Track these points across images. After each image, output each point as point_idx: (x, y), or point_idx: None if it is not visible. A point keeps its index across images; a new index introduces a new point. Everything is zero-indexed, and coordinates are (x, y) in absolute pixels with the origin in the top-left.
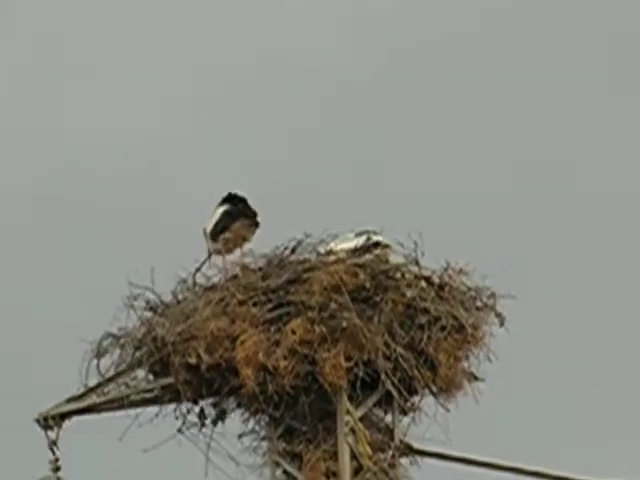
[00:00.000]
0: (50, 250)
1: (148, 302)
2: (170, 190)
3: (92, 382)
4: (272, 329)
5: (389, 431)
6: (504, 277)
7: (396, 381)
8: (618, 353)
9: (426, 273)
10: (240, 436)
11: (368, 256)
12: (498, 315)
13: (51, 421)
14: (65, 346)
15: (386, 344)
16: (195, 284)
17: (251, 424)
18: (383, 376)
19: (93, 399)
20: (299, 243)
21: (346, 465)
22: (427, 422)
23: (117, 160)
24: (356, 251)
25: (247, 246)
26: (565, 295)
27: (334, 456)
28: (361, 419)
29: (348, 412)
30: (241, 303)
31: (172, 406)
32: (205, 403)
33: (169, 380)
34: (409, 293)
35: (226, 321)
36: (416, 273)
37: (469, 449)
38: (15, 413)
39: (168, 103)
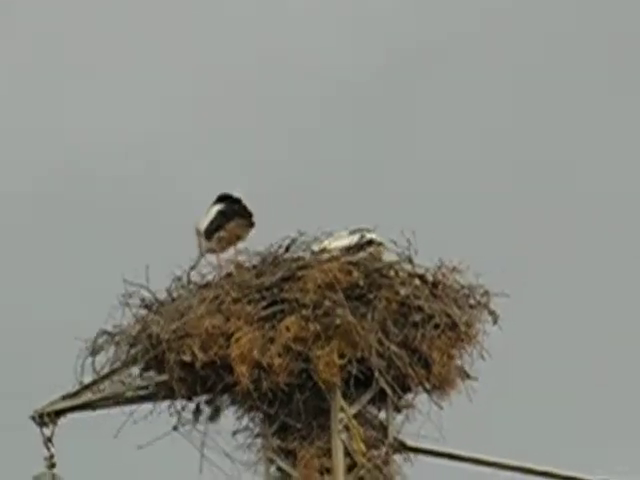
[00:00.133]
0: (50, 250)
1: (143, 300)
2: (170, 190)
3: (87, 379)
4: (266, 327)
5: (383, 428)
6: (504, 277)
7: (390, 379)
8: (618, 353)
9: (420, 271)
10: (234, 433)
11: (362, 254)
12: (491, 313)
13: (46, 418)
14: (60, 344)
15: (380, 342)
16: (190, 282)
17: (245, 421)
18: (377, 373)
19: (88, 396)
20: (293, 241)
21: (340, 462)
22: (421, 419)
23: (117, 160)
24: (350, 249)
25: (241, 245)
26: (565, 295)
27: (328, 453)
28: (355, 416)
29: (342, 409)
30: (235, 301)
31: (166, 403)
32: (200, 400)
33: (164, 377)
34: (403, 291)
35: (221, 319)
36: (410, 271)
37: (463, 446)
38: (10, 410)
39: (168, 103)
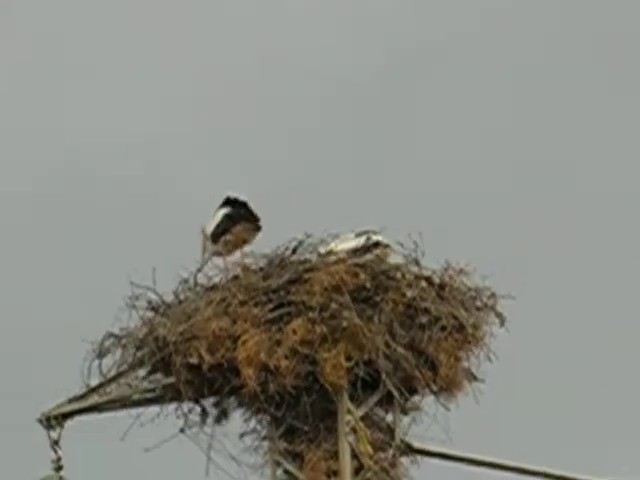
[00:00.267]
0: (50, 250)
1: (150, 302)
2: (170, 190)
3: (94, 382)
4: (273, 329)
5: (390, 431)
6: (504, 277)
7: (397, 381)
8: (618, 353)
9: (426, 273)
10: (241, 436)
11: (368, 256)
12: (498, 315)
13: (53, 421)
14: (67, 346)
15: (387, 344)
16: (197, 284)
17: (252, 424)
18: (384, 376)
19: (95, 399)
20: (300, 243)
21: (347, 464)
22: (428, 422)
23: (117, 160)
24: (356, 251)
25: (247, 247)
26: (565, 295)
27: (335, 455)
28: (362, 418)
29: (349, 412)
30: (242, 303)
31: (173, 406)
32: (206, 403)
33: (171, 380)
34: (409, 293)
35: (227, 321)
36: (416, 273)
37: (470, 449)
38: (17, 413)
39: (168, 103)
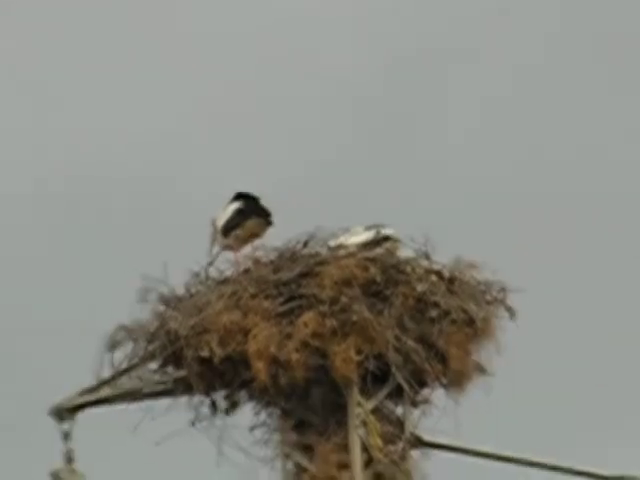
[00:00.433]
0: (50, 250)
1: (161, 295)
2: (170, 190)
3: (105, 375)
4: (284, 322)
5: (400, 423)
6: (504, 277)
7: (407, 374)
8: (618, 353)
9: (436, 267)
10: (252, 428)
11: (379, 250)
12: (508, 309)
13: (65, 413)
14: (77, 340)
15: (397, 337)
16: (208, 278)
17: (263, 416)
18: (394, 369)
19: (106, 391)
20: (311, 237)
21: (357, 457)
22: (438, 414)
23: (117, 160)
24: (367, 245)
25: (258, 241)
26: (565, 295)
27: (345, 448)
28: (372, 411)
29: (359, 405)
30: (253, 296)
31: (184, 399)
32: (217, 396)
33: (182, 373)
34: (420, 287)
35: (238, 314)
36: (427, 267)
37: (480, 441)
38: (29, 405)
39: (168, 103)
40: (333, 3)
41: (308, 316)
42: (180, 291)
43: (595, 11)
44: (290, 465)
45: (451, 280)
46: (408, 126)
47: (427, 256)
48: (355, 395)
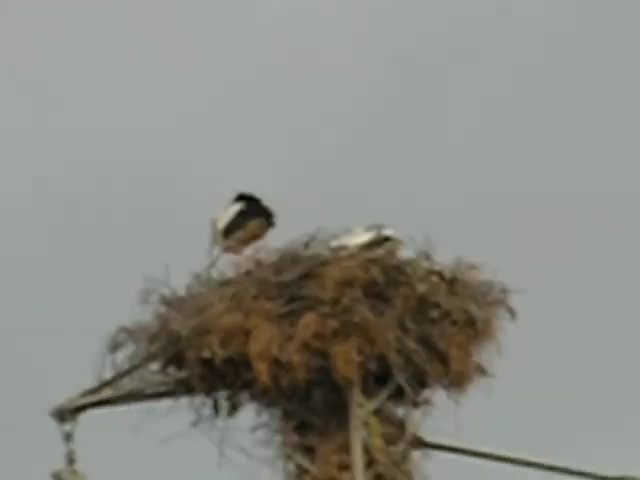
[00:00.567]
0: (50, 250)
1: (163, 297)
2: (170, 190)
3: (107, 376)
4: (285, 323)
5: (401, 424)
6: (505, 277)
7: (408, 375)
8: (618, 353)
9: (437, 268)
10: (253, 430)
11: (380, 251)
12: (509, 310)
13: (66, 414)
14: (78, 341)
15: (398, 338)
16: (209, 279)
17: (264, 417)
18: (395, 370)
19: (108, 392)
20: (312, 238)
21: (358, 458)
22: (439, 415)
23: (117, 160)
24: (368, 246)
25: (260, 242)
26: (565, 295)
27: (346, 449)
28: (373, 413)
29: (360, 406)
30: (255, 298)
31: (186, 399)
32: (219, 396)
33: (183, 374)
34: (421, 288)
35: (240, 315)
36: (428, 268)
37: (481, 442)
38: (29, 406)
39: (168, 103)
40: (333, 3)
41: (309, 317)
42: (182, 292)
43: (595, 11)
44: (291, 466)
45: (452, 281)
46: (408, 126)
47: (428, 257)
48: (356, 396)
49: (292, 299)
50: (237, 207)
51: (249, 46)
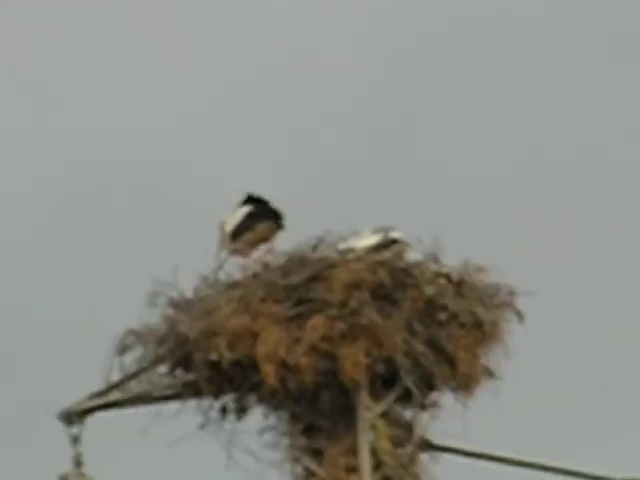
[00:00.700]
0: (50, 250)
1: (171, 299)
2: (170, 190)
3: (114, 379)
4: (293, 326)
5: (408, 427)
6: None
7: (415, 377)
8: (618, 353)
9: (445, 270)
10: (261, 432)
11: (387, 253)
12: (517, 312)
13: (74, 417)
14: (79, 341)
15: (405, 341)
16: (217, 281)
17: (272, 420)
18: (402, 372)
19: (115, 395)
20: (320, 241)
21: (366, 461)
22: (446, 418)
23: (117, 160)
24: (375, 248)
25: (269, 245)
26: (565, 295)
27: (354, 452)
28: (381, 415)
29: (368, 408)
30: (262, 300)
31: (194, 402)
32: (226, 399)
33: (191, 376)
34: (428, 290)
35: (247, 318)
36: (435, 270)
37: (489, 444)
38: (30, 406)
39: (168, 103)
40: (333, 3)
41: (317, 320)
42: (189, 295)
43: (595, 11)
44: (299, 469)
45: (459, 283)
46: (408, 126)
47: (435, 259)
48: (364, 399)
49: (300, 302)
50: (246, 209)
51: (249, 46)
